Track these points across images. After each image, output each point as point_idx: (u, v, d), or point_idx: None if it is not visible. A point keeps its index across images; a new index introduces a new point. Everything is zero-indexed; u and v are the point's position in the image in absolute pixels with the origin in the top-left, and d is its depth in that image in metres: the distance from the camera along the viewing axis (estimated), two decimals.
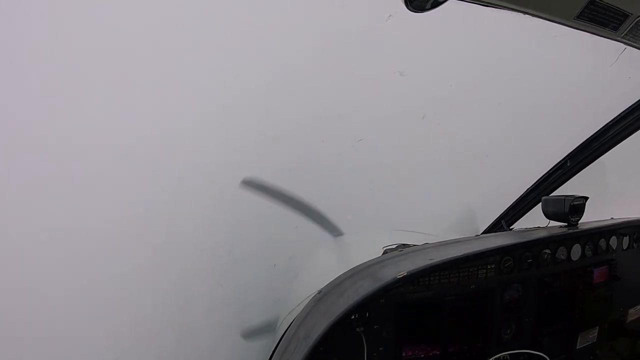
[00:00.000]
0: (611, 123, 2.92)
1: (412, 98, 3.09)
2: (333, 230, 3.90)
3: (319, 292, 2.28)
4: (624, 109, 2.83)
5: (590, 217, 2.68)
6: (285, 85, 2.84)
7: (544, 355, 2.33)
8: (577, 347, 2.61)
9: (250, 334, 3.67)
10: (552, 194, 3.27)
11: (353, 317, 1.97)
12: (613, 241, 2.70)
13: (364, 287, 2.05)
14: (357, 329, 1.97)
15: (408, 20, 1.73)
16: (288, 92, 2.88)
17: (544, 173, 3.38)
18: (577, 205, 2.57)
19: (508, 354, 2.32)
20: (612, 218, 2.89)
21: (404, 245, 2.61)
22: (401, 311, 2.09)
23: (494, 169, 3.71)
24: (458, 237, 2.65)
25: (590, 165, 3.16)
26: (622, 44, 1.93)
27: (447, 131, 3.38)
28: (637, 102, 2.74)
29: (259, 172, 3.22)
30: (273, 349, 2.51)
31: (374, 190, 3.80)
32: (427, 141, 3.49)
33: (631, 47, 1.99)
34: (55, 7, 2.24)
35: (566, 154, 3.20)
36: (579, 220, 2.61)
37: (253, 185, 3.25)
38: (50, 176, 2.53)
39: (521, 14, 1.59)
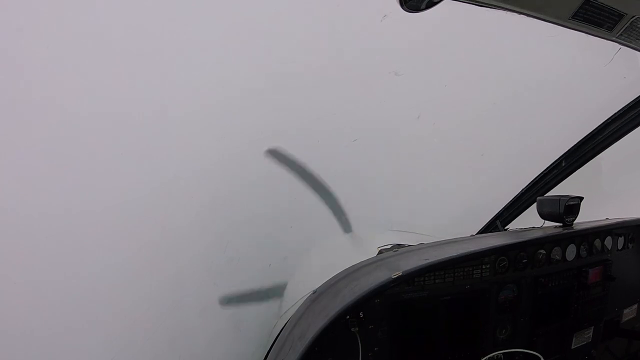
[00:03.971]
0: (606, 123, 2.92)
1: (406, 97, 3.09)
2: (345, 224, 3.90)
3: (314, 292, 2.28)
4: (618, 109, 2.84)
5: (586, 217, 2.68)
6: (280, 85, 2.83)
7: (538, 355, 2.33)
8: (572, 347, 2.61)
9: (259, 297, 3.67)
10: (547, 194, 3.28)
11: (348, 317, 1.97)
12: (608, 241, 2.71)
13: (359, 287, 2.04)
14: (352, 329, 1.97)
15: (403, 20, 1.72)
16: (283, 91, 2.88)
17: (539, 173, 3.38)
18: (572, 206, 2.57)
19: (502, 352, 2.32)
20: (607, 218, 2.90)
21: (399, 245, 2.62)
22: (396, 311, 2.08)
23: (489, 168, 3.71)
24: (453, 237, 2.65)
25: (585, 165, 3.17)
26: (617, 44, 1.93)
27: (441, 131, 3.37)
28: (632, 101, 2.75)
29: (255, 172, 3.22)
30: (268, 349, 2.51)
31: (368, 190, 3.80)
32: (422, 141, 3.49)
33: (626, 47, 1.99)
34: (51, 5, 2.23)
35: (561, 153, 3.21)
36: (574, 220, 2.62)
37: (279, 156, 3.23)
38: (44, 174, 2.52)
39: (516, 14, 1.59)
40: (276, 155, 3.22)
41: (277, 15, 2.55)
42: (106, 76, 2.48)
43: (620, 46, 1.97)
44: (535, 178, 3.42)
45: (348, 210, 3.84)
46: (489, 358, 2.27)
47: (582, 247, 2.58)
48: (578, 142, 3.09)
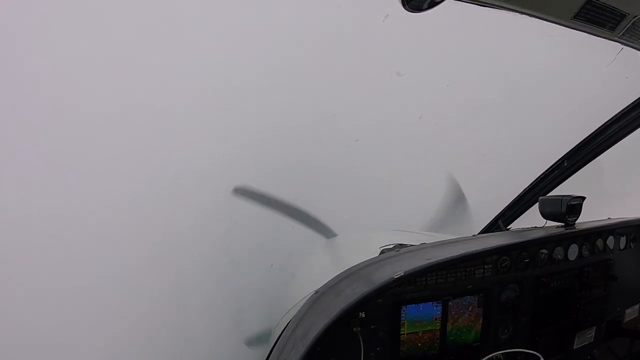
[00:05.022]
0: (608, 123, 2.92)
1: (408, 98, 3.09)
2: (326, 231, 3.89)
3: (316, 292, 2.28)
4: (621, 109, 2.83)
5: (587, 217, 2.68)
6: (282, 86, 2.84)
7: (538, 354, 2.32)
8: (574, 347, 2.61)
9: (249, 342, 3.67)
10: (549, 194, 3.27)
11: (350, 317, 1.97)
12: (610, 241, 2.70)
13: (361, 287, 2.04)
14: (354, 329, 1.97)
15: (405, 20, 1.73)
16: (285, 92, 2.88)
17: (541, 173, 3.38)
18: (574, 205, 2.56)
19: (502, 353, 2.32)
20: (609, 218, 2.89)
21: (401, 245, 2.61)
22: (398, 311, 2.08)
23: (491, 168, 3.71)
24: (455, 237, 2.64)
25: (587, 165, 3.16)
26: (619, 44, 1.93)
27: (443, 131, 3.38)
28: (634, 102, 2.74)
29: (255, 172, 3.22)
30: (270, 349, 2.51)
31: (371, 190, 3.80)
32: (424, 141, 3.49)
33: (628, 47, 1.99)
34: (55, 6, 2.23)
35: (563, 154, 3.20)
36: (576, 220, 2.61)
37: (245, 193, 3.24)
38: (46, 175, 2.52)
39: (518, 14, 1.59)
40: (243, 192, 3.23)
41: (278, 16, 2.55)
42: (107, 77, 2.48)
43: (623, 46, 1.97)
44: (537, 178, 3.42)
45: (350, 209, 3.84)
46: (489, 358, 2.27)
47: (584, 247, 2.57)
48: (580, 142, 3.09)
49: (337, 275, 2.32)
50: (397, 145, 3.49)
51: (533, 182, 3.46)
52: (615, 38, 1.83)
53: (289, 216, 3.63)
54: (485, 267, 2.25)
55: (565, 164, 3.21)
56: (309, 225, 3.77)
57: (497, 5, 1.51)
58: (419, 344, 2.16)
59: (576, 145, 3.12)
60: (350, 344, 1.99)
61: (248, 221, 3.39)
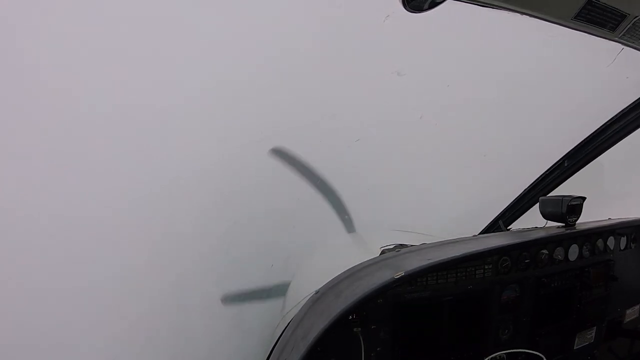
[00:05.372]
0: (609, 123, 2.92)
1: (409, 98, 3.08)
2: (348, 224, 3.89)
3: (317, 292, 2.28)
4: (621, 109, 2.83)
5: (588, 217, 2.68)
6: (283, 85, 2.83)
7: (541, 355, 2.32)
8: (575, 348, 2.61)
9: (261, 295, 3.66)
10: (549, 194, 3.27)
11: (350, 317, 1.97)
12: (610, 241, 2.70)
13: (362, 288, 2.04)
14: (355, 330, 1.97)
15: (406, 20, 1.72)
16: (286, 92, 2.87)
17: (541, 173, 3.38)
18: (575, 206, 2.56)
19: (505, 353, 2.32)
20: (609, 218, 2.89)
21: (402, 246, 2.61)
22: (398, 311, 2.08)
23: (491, 169, 3.71)
24: (455, 237, 2.64)
25: (587, 166, 3.16)
26: (619, 44, 1.93)
27: (444, 131, 3.37)
28: (634, 102, 2.75)
29: (255, 172, 3.22)
30: (270, 349, 2.51)
31: (371, 190, 3.80)
32: (424, 141, 3.48)
33: (629, 48, 1.99)
34: (51, 6, 2.23)
35: (564, 154, 3.20)
36: (576, 220, 2.61)
37: (283, 156, 3.23)
38: (46, 175, 2.52)
39: (519, 14, 1.59)
40: (280, 154, 3.21)
41: (278, 16, 2.55)
42: (107, 77, 2.48)
43: (623, 46, 1.97)
44: (538, 178, 3.42)
45: (351, 209, 3.84)
46: (491, 358, 2.27)
47: (584, 247, 2.57)
48: (580, 142, 3.09)
49: (337, 276, 2.32)
50: (397, 145, 3.48)
51: (533, 182, 3.46)
52: (616, 38, 1.83)
53: (321, 193, 3.62)
54: (486, 267, 2.25)
55: (566, 164, 3.21)
56: (336, 209, 3.77)
57: (498, 6, 1.51)
58: (420, 344, 2.16)
59: (576, 145, 3.12)
60: (350, 344, 1.99)
61: (248, 221, 3.39)
